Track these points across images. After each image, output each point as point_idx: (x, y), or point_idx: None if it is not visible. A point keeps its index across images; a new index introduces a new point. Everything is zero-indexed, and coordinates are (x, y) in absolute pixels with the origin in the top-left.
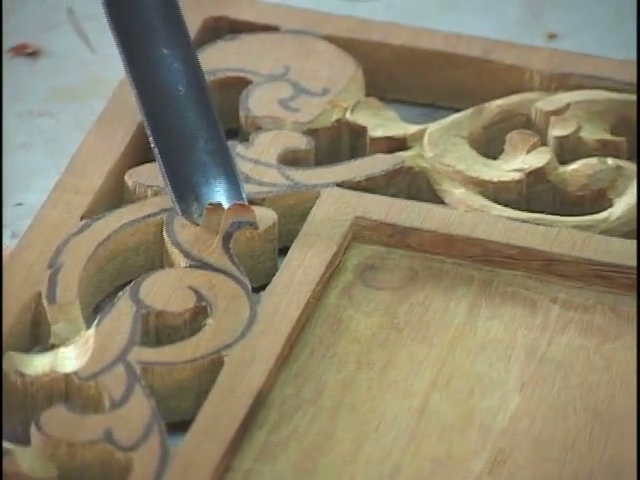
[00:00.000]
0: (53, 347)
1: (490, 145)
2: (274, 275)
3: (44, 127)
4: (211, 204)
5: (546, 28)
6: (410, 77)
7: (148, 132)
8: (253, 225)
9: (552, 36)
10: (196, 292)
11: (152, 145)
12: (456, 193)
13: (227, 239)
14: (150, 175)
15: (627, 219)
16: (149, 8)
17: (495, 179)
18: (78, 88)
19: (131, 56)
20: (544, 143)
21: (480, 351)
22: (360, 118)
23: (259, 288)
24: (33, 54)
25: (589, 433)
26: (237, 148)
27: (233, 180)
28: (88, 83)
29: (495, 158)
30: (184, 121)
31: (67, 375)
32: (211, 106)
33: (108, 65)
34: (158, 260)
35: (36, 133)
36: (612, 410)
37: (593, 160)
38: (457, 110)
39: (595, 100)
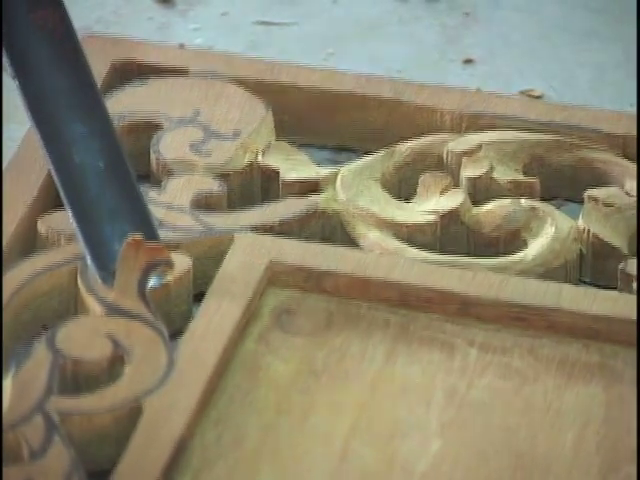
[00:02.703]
0: None
1: (402, 186)
2: (189, 320)
3: None
4: (133, 239)
5: (462, 53)
6: (320, 119)
7: (66, 206)
8: (169, 264)
9: (468, 61)
10: (113, 340)
11: (70, 219)
12: (370, 236)
13: (142, 284)
14: (62, 221)
15: (542, 260)
16: (64, 87)
17: (409, 221)
18: None
19: (47, 135)
20: (456, 184)
21: (399, 395)
22: (272, 161)
23: (174, 333)
24: None
25: (511, 475)
26: (149, 194)
27: None
28: (5, 109)
29: (408, 199)
30: (105, 195)
31: None
32: (132, 179)
33: None
34: (72, 305)
35: None
36: (533, 452)
37: (507, 201)
38: (368, 152)
39: (506, 140)
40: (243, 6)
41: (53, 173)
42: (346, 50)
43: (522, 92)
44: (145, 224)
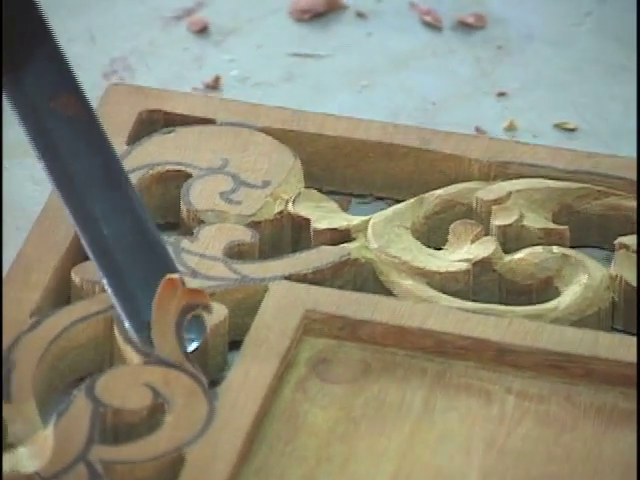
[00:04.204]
0: (11, 447)
1: (431, 235)
2: (224, 370)
3: None
4: (170, 277)
5: (496, 86)
6: (347, 168)
7: (100, 274)
8: (207, 309)
9: (501, 94)
10: (152, 389)
11: (105, 286)
12: (404, 284)
13: (179, 330)
14: (96, 271)
15: (576, 308)
16: (89, 169)
17: (442, 269)
18: None
19: (76, 211)
20: (487, 232)
21: (439, 443)
22: (302, 210)
23: (210, 383)
24: None
25: None
26: (182, 243)
27: None
28: None
29: (437, 248)
30: (136, 266)
31: (29, 476)
32: (162, 248)
33: None
34: (108, 356)
35: None
36: None
37: (539, 249)
38: (395, 201)
39: (535, 188)
40: (277, 38)
41: (84, 244)
42: (380, 82)
43: (556, 125)
44: None
